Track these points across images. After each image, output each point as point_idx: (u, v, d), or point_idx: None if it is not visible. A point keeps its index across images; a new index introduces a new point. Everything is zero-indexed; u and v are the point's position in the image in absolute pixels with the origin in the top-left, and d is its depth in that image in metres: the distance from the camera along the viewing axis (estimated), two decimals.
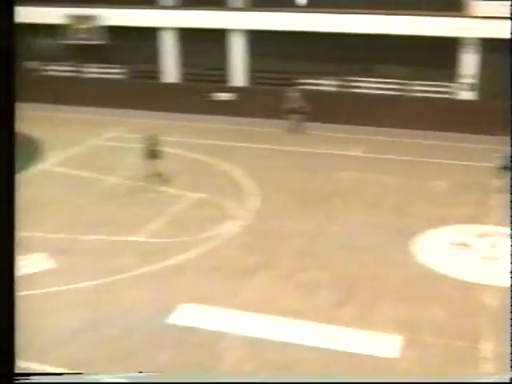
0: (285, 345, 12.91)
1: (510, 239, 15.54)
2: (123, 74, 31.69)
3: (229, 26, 29.52)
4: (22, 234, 17.87)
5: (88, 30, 30.78)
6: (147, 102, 29.63)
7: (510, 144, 18.50)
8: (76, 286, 15.38)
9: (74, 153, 24.97)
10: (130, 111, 29.12)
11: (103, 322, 13.85)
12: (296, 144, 25.70)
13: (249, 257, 16.67)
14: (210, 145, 25.78)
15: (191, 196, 20.59)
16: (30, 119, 29.00)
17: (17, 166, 21.66)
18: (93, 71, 31.94)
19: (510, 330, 11.70)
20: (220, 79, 30.43)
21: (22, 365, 12.06)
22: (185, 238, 17.68)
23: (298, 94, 27.27)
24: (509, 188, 17.90)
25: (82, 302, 14.68)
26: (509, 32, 22.16)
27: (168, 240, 17.59)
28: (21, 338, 12.99)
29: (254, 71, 29.90)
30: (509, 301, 12.17)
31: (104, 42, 30.89)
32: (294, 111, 27.05)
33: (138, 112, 28.79)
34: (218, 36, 29.45)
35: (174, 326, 13.57)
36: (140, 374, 4.59)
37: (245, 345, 12.99)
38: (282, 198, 20.40)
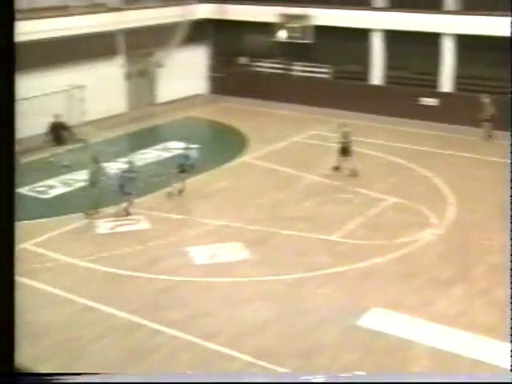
0: (475, 362, 12.44)
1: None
2: (328, 73, 31.93)
3: (439, 30, 28.78)
4: (220, 223, 18.73)
5: (298, 29, 31.33)
6: (350, 102, 29.68)
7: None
8: (269, 278, 15.78)
9: (275, 148, 25.59)
10: (333, 111, 29.27)
11: (293, 317, 14.10)
12: (495, 154, 24.57)
13: (444, 267, 16.22)
14: (410, 149, 25.36)
15: (389, 199, 20.38)
16: (237, 112, 30.33)
17: (222, 157, 22.70)
18: (299, 69, 32.48)
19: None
20: (426, 84, 29.76)
21: (213, 347, 12.74)
22: (380, 241, 17.54)
23: (488, 101, 26.27)
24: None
25: (274, 295, 15.03)
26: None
27: (363, 242, 17.55)
28: (211, 323, 13.67)
29: (460, 77, 28.94)
30: None
31: (312, 41, 31.29)
32: (485, 119, 26.21)
33: (341, 112, 28.85)
34: (427, 39, 28.78)
35: (363, 329, 13.52)
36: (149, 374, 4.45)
37: (432, 356, 12.67)
38: (481, 210, 19.62)
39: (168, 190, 20.64)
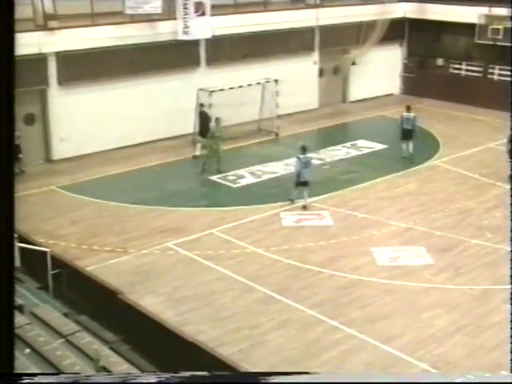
0: None
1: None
2: None
3: None
4: (405, 225, 18.21)
5: (501, 31, 29.99)
6: None
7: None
8: (452, 286, 15.32)
9: (468, 153, 24.73)
10: None
11: (475, 329, 13.60)
12: None
13: None
14: None
15: None
16: (430, 114, 29.65)
17: (414, 159, 21.81)
18: (500, 73, 31.11)
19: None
20: None
21: (390, 351, 12.52)
22: None
23: None
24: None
25: (456, 304, 14.58)
26: None
27: None
28: (389, 326, 13.45)
29: None
30: None
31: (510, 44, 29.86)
32: None
33: None
34: None
35: None
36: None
37: None
38: None
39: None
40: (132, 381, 4.32)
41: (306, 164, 19.66)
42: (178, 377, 4.39)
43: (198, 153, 23.77)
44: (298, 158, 19.75)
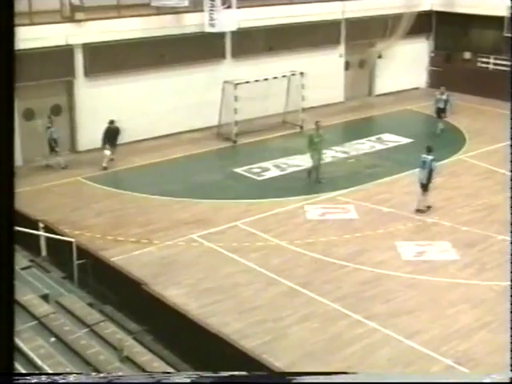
0: None
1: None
2: None
3: None
4: (430, 220, 18.11)
5: None
6: None
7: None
8: (476, 282, 15.21)
9: (494, 148, 24.48)
10: None
11: (500, 326, 13.41)
12: None
13: None
14: None
15: None
16: (457, 109, 29.44)
17: (438, 153, 21.76)
18: None
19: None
20: None
21: (413, 346, 12.46)
22: None
23: None
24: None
25: (481, 300, 14.48)
26: None
27: None
28: (413, 320, 13.38)
29: None
30: None
31: None
32: None
33: None
34: None
35: None
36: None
37: None
38: None
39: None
40: (165, 380, 4.32)
41: (422, 165, 18.88)
42: (211, 377, 4.38)
43: (105, 164, 22.32)
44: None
